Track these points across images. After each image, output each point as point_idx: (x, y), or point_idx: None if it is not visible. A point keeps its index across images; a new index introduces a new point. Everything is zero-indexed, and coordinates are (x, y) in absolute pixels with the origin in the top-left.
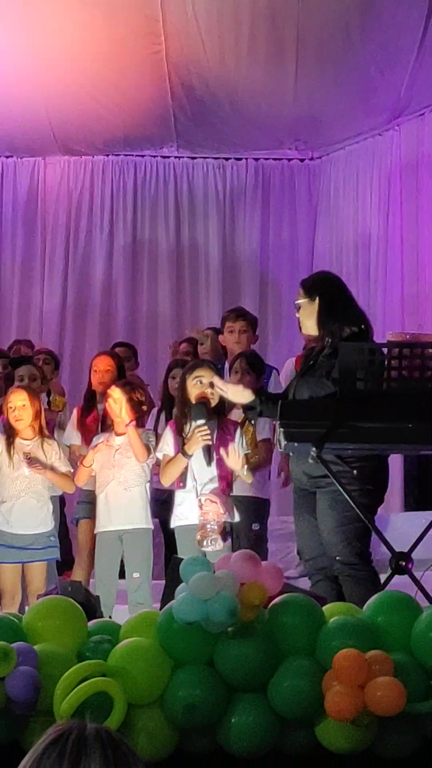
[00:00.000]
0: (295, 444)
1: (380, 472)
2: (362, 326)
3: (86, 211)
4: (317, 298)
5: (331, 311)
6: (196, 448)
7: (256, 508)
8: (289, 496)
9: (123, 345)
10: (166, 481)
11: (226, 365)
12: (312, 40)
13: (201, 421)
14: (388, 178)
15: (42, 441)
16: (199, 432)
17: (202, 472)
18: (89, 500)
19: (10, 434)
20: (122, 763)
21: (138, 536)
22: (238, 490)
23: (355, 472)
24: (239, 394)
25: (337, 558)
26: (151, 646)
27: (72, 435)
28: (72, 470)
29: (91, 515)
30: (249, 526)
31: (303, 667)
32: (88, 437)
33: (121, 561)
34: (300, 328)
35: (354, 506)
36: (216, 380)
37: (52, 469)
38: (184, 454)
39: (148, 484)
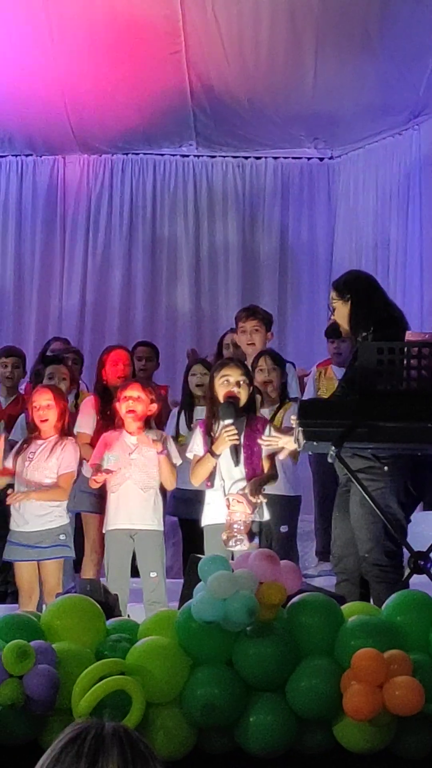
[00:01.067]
0: (314, 443)
1: (418, 468)
2: (396, 319)
3: (105, 210)
4: (349, 298)
5: (362, 309)
6: (223, 448)
7: (287, 506)
8: (310, 494)
9: (145, 344)
10: (196, 481)
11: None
12: (331, 39)
13: (229, 421)
14: (407, 177)
15: (57, 441)
16: (227, 432)
17: (230, 472)
18: (95, 492)
19: (30, 434)
20: (140, 762)
21: (150, 536)
22: (272, 489)
23: (386, 468)
24: (293, 442)
25: (366, 556)
26: (170, 645)
27: (85, 423)
28: (74, 471)
29: (99, 510)
30: (278, 526)
31: (321, 667)
32: (102, 432)
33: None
34: (326, 332)
35: (373, 504)
36: (269, 435)
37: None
38: (212, 454)
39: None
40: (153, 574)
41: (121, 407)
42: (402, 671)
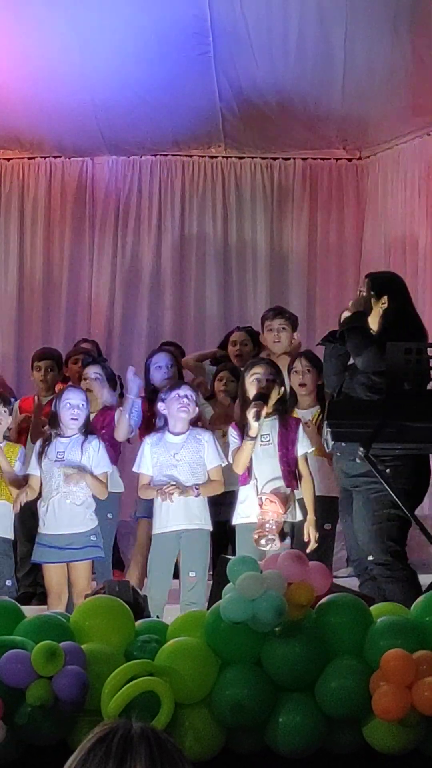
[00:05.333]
0: (343, 444)
1: (419, 472)
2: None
3: (134, 211)
4: (385, 298)
5: (397, 316)
6: (254, 425)
7: (327, 507)
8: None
9: (170, 344)
10: (239, 469)
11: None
12: (360, 39)
13: (259, 402)
14: None
15: (84, 440)
16: (253, 407)
17: (262, 471)
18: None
19: (52, 430)
20: (168, 762)
21: (197, 536)
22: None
23: (388, 471)
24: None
25: (370, 558)
26: (199, 646)
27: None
28: (110, 470)
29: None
30: (321, 525)
31: (350, 667)
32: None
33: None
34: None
35: (401, 504)
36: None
37: (91, 474)
38: (247, 436)
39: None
40: (192, 574)
41: (173, 405)
42: (431, 672)
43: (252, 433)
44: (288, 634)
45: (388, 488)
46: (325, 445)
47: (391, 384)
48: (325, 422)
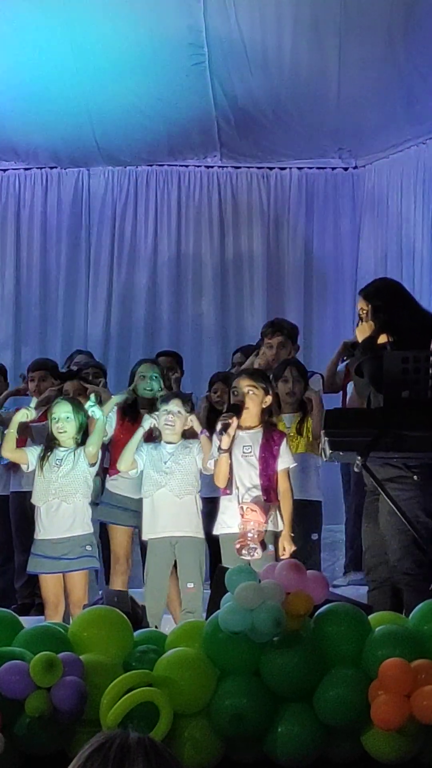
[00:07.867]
0: (341, 453)
1: None
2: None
3: (130, 222)
4: (383, 311)
5: (400, 325)
6: (225, 438)
7: (311, 512)
8: (335, 502)
9: (167, 354)
10: (221, 482)
11: None
12: (355, 48)
13: (229, 414)
14: None
15: (77, 449)
16: (221, 419)
17: (243, 480)
18: (121, 505)
19: (51, 442)
20: None
21: (192, 545)
22: (299, 494)
23: (416, 477)
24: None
25: (396, 565)
26: (197, 656)
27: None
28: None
29: (124, 523)
30: (307, 535)
31: (349, 677)
32: (124, 441)
33: None
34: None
35: (399, 513)
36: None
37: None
38: (219, 450)
39: (199, 494)
40: (190, 585)
41: (161, 420)
42: (430, 680)
43: (224, 446)
44: (286, 644)
45: (387, 497)
46: (323, 455)
47: (388, 392)
48: (323, 431)
